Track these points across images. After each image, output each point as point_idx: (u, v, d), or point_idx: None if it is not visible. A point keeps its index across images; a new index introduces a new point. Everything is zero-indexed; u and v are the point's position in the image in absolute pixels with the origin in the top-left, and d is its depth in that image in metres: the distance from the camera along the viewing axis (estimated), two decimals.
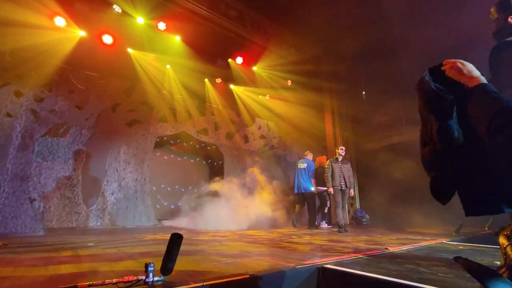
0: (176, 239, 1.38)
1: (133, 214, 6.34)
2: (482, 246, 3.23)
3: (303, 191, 6.63)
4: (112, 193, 6.16)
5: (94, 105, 6.04)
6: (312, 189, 6.57)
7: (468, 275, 1.22)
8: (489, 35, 2.34)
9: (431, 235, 4.53)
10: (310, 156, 7.06)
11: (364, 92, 9.28)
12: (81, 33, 5.84)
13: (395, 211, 8.18)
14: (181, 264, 1.86)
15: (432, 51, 6.67)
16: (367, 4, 7.01)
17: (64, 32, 5.64)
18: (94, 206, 5.86)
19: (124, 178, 6.38)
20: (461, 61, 1.20)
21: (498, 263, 2.22)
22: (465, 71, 1.17)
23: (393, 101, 8.53)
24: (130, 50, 6.64)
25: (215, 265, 2.00)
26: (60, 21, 5.56)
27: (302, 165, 6.84)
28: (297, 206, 6.91)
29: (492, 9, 2.29)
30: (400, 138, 8.59)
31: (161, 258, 1.47)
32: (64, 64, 5.63)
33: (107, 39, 6.15)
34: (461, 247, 3.15)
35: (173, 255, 1.40)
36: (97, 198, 5.94)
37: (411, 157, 8.09)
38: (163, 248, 1.50)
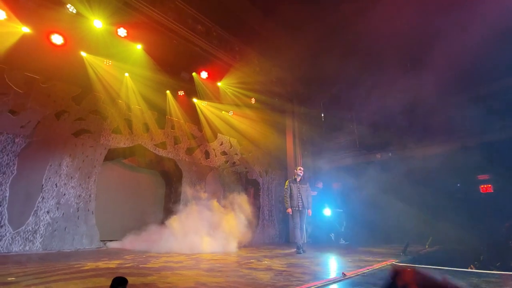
0: (117, 287, 1.16)
1: (73, 236, 5.57)
2: (427, 267, 3.47)
3: None
4: (48, 212, 5.36)
5: (33, 111, 5.31)
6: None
7: None
8: None
9: (381, 255, 4.77)
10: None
11: (322, 115, 9.80)
12: (25, 29, 5.20)
13: (348, 229, 8.57)
14: None
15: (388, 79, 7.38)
16: (329, 33, 7.55)
17: (3, 27, 4.96)
18: (23, 227, 5.01)
19: (65, 194, 5.63)
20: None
21: None
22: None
23: (348, 126, 9.15)
24: (83, 54, 6.10)
25: None
26: None
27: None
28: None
29: None
30: (353, 160, 9.19)
31: None
32: None
33: (57, 39, 5.56)
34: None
35: None
36: (28, 217, 5.11)
37: (362, 178, 8.67)
38: (105, 283, 1.26)
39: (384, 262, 3.83)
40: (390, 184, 7.93)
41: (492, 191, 7.08)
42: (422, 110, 7.05)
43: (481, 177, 7.31)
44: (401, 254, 4.80)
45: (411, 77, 7.09)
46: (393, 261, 3.94)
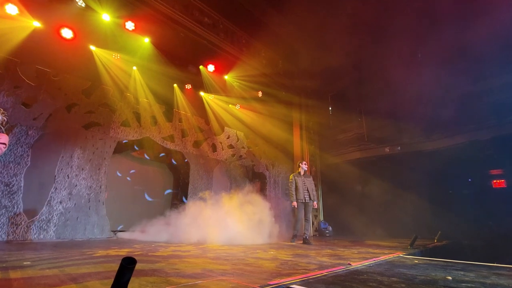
0: (127, 266, 1.20)
1: (84, 226, 5.74)
2: (435, 260, 3.44)
3: None
4: (61, 202, 5.52)
5: (45, 104, 5.44)
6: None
7: None
8: None
9: (389, 248, 4.74)
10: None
11: (330, 108, 9.70)
12: (36, 24, 5.30)
13: (355, 223, 8.54)
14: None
15: (395, 73, 7.24)
16: (335, 27, 7.42)
17: (15, 21, 5.07)
18: (37, 216, 5.19)
19: (76, 185, 5.78)
20: None
21: (450, 278, 2.35)
22: None
23: (356, 119, 9.03)
24: (92, 48, 6.19)
25: None
26: (11, 8, 4.99)
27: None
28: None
29: None
30: (362, 154, 9.08)
31: (111, 281, 1.27)
32: (11, 56, 5.03)
33: (67, 33, 5.66)
34: (416, 261, 3.31)
35: (123, 286, 1.21)
36: (41, 207, 5.28)
37: (371, 172, 8.59)
38: (115, 268, 1.30)
39: (391, 254, 3.81)
40: (399, 178, 7.84)
41: (506, 186, 6.92)
42: (432, 102, 6.89)
43: (494, 171, 7.15)
44: (409, 247, 4.77)
45: (420, 68, 6.92)
46: (400, 254, 3.92)
